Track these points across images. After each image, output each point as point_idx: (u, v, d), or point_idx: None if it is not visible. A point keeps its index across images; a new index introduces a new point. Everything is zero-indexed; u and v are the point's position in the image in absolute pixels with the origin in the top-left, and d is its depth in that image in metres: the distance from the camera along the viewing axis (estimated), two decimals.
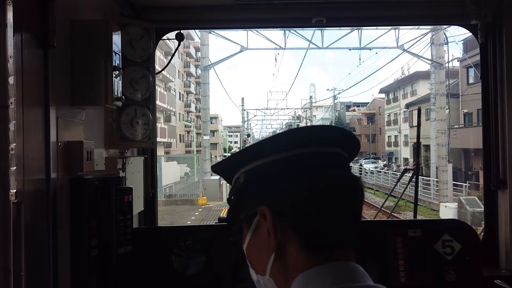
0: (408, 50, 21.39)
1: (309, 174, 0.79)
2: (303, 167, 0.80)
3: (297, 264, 0.77)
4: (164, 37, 2.62)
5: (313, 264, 0.75)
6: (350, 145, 0.88)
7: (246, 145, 0.93)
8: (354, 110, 69.75)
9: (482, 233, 2.55)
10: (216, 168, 0.95)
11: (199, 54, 44.81)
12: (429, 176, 25.16)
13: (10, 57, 1.28)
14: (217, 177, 22.57)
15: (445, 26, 18.49)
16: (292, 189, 0.78)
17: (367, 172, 35.42)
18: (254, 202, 0.82)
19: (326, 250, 0.77)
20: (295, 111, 76.94)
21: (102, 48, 1.74)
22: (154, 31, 2.20)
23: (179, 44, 2.52)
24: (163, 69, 3.02)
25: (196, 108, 61.04)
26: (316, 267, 0.75)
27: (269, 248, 0.79)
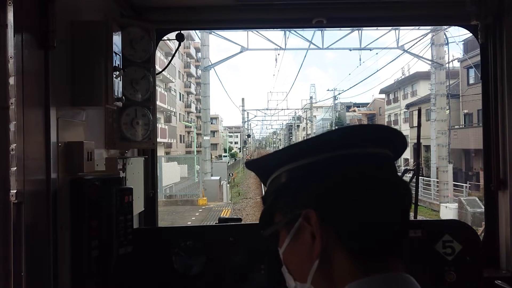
0: (408, 50, 21.40)
1: (360, 176, 0.74)
2: (353, 168, 0.74)
3: (344, 273, 0.71)
4: (165, 38, 2.62)
5: (363, 274, 0.70)
6: (397, 145, 0.82)
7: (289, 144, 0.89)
8: (354, 111, 69.73)
9: (483, 234, 2.55)
10: (252, 165, 0.88)
11: (199, 54, 44.85)
12: (429, 177, 25.15)
13: (11, 57, 1.29)
14: (217, 177, 22.58)
15: (445, 27, 18.50)
16: (340, 192, 0.73)
17: None
18: (296, 204, 0.77)
19: (377, 259, 0.72)
20: (295, 112, 77.00)
21: (103, 48, 1.74)
22: (154, 32, 2.21)
23: (179, 45, 2.52)
24: (163, 70, 3.02)
25: (196, 108, 61.06)
26: (367, 278, 0.70)
27: (312, 254, 0.73)
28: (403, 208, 0.76)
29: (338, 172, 0.74)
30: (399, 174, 0.79)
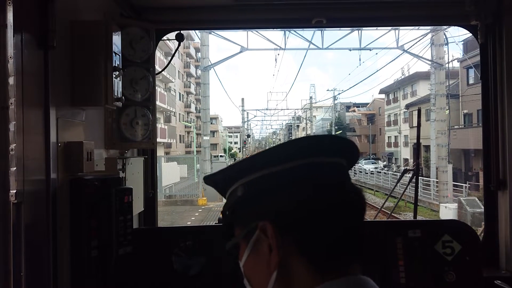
0: (408, 50, 21.39)
1: (313, 186, 0.75)
2: (307, 178, 0.76)
3: (303, 282, 0.73)
4: (164, 38, 2.62)
5: (320, 281, 0.72)
6: (350, 155, 0.84)
7: (238, 160, 0.97)
8: (354, 111, 69.76)
9: (482, 234, 2.55)
10: (209, 180, 0.89)
11: (199, 54, 44.84)
12: (429, 177, 25.16)
13: (10, 57, 1.28)
14: None
15: (445, 27, 18.50)
16: (295, 202, 0.74)
17: (367, 173, 35.42)
18: (254, 216, 0.78)
19: (333, 265, 0.74)
20: (295, 112, 76.99)
21: (102, 48, 1.74)
22: (154, 32, 2.21)
23: (179, 45, 2.52)
24: (163, 70, 3.02)
25: (196, 108, 61.06)
26: (324, 284, 0.71)
27: (271, 265, 0.74)
28: (357, 214, 0.78)
29: (291, 183, 0.75)
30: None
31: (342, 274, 0.73)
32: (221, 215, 0.88)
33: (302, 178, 0.76)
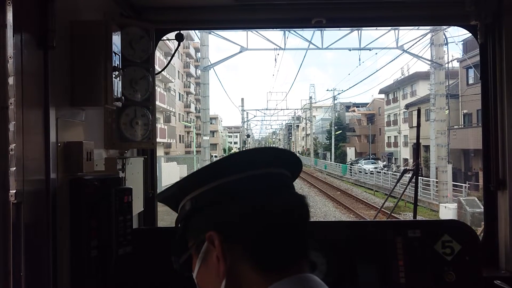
0: (407, 50, 21.39)
1: (256, 196, 0.79)
2: (249, 189, 0.80)
3: (251, 286, 0.76)
4: (164, 38, 2.62)
5: (268, 283, 0.75)
6: (292, 165, 0.89)
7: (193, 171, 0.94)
8: (353, 111, 69.77)
9: (482, 234, 2.55)
10: (161, 197, 0.92)
11: (198, 54, 44.85)
12: (428, 177, 25.16)
13: (10, 57, 1.28)
14: None
15: (444, 27, 18.50)
16: (239, 212, 0.78)
17: (366, 173, 35.43)
18: (202, 228, 0.81)
19: (279, 267, 0.77)
20: (295, 112, 77.01)
21: (102, 48, 1.74)
22: (154, 32, 2.20)
23: (178, 45, 2.52)
24: (162, 70, 3.02)
25: (196, 108, 61.06)
26: (273, 285, 0.75)
27: (220, 274, 0.78)
28: (301, 220, 0.82)
29: (236, 194, 0.79)
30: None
31: (289, 274, 0.76)
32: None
33: (244, 190, 0.79)
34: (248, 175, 0.80)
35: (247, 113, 58.68)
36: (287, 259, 0.78)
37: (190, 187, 0.84)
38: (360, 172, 37.10)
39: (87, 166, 1.68)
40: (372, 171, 34.86)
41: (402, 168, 36.05)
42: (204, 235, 0.80)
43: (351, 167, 41.57)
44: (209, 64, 21.86)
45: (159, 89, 35.57)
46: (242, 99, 53.13)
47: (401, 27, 19.47)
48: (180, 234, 0.87)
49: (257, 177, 0.81)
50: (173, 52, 2.78)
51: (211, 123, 31.07)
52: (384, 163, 49.20)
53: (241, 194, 0.79)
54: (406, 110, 44.64)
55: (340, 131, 59.85)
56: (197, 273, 0.84)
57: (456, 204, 17.38)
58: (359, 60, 25.20)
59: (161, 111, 40.68)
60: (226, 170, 0.81)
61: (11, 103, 1.29)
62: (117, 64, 1.82)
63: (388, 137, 54.40)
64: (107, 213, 1.72)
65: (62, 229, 1.58)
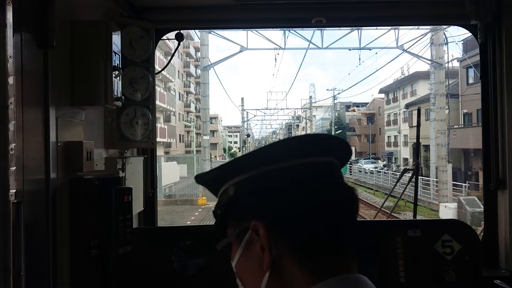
0: (407, 50, 21.40)
1: (307, 186, 0.75)
2: (300, 178, 0.75)
3: (297, 283, 0.72)
4: (164, 37, 2.62)
5: (316, 280, 0.71)
6: (342, 153, 0.84)
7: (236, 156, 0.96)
8: (353, 110, 69.76)
9: (482, 233, 2.55)
10: (201, 179, 0.87)
11: (198, 54, 44.84)
12: (428, 176, 25.17)
13: (10, 57, 1.28)
14: None
15: (444, 26, 18.51)
16: (288, 202, 0.74)
17: (366, 172, 35.43)
18: (245, 217, 0.77)
19: (328, 265, 0.73)
20: (294, 111, 77.01)
21: (102, 48, 1.74)
22: (153, 31, 2.20)
23: (178, 44, 2.52)
24: (162, 69, 3.02)
25: (196, 108, 61.06)
26: (320, 283, 0.70)
27: (263, 265, 0.74)
28: (350, 213, 0.78)
29: (282, 183, 0.75)
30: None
31: (339, 273, 0.72)
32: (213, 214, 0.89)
33: (295, 178, 0.75)
34: (295, 164, 0.76)
35: (247, 112, 58.70)
36: (337, 256, 0.74)
37: (234, 172, 0.80)
38: (360, 171, 37.11)
39: (87, 165, 1.68)
40: (372, 170, 34.87)
41: (402, 167, 36.05)
42: (247, 224, 0.76)
43: (351, 166, 41.59)
44: (209, 63, 21.86)
45: (159, 89, 35.56)
46: (242, 99, 53.16)
47: (401, 27, 19.48)
48: (220, 220, 0.83)
49: (305, 166, 0.76)
50: (173, 51, 2.78)
51: (211, 123, 31.06)
52: (384, 162, 49.21)
53: (287, 183, 0.75)
54: (406, 109, 44.63)
55: (340, 131, 59.80)
56: (237, 262, 0.81)
57: (456, 204, 17.39)
58: (359, 59, 25.16)
59: (161, 111, 40.68)
60: (272, 157, 0.77)
61: (11, 103, 1.29)
62: (117, 64, 1.82)
63: (388, 136, 54.39)
64: (107, 212, 1.73)
65: (62, 229, 1.58)
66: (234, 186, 0.80)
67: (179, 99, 53.52)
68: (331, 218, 0.74)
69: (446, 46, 21.08)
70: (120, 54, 1.87)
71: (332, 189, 0.77)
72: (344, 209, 0.77)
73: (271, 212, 0.75)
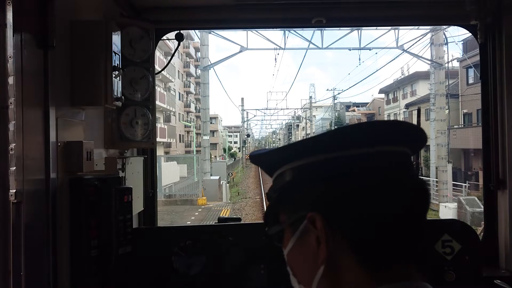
0: (407, 50, 21.40)
1: (369, 178, 0.67)
2: (363, 170, 0.68)
3: (354, 282, 0.66)
4: (164, 37, 2.62)
5: (375, 283, 0.65)
6: (415, 141, 0.75)
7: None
8: (353, 110, 69.75)
9: (482, 233, 2.55)
10: (256, 159, 0.81)
11: (198, 54, 44.86)
12: (428, 176, 25.17)
13: (10, 57, 1.29)
14: (217, 177, 22.59)
15: (444, 27, 18.50)
16: (351, 195, 0.67)
17: None
18: (301, 205, 0.71)
19: (390, 268, 0.66)
20: (294, 111, 77.05)
21: (102, 48, 1.74)
22: (154, 32, 2.20)
23: (178, 44, 2.52)
24: (162, 69, 3.02)
25: (195, 108, 61.05)
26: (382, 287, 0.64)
27: (318, 259, 0.68)
28: (418, 212, 0.70)
29: (345, 173, 0.68)
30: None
31: (401, 278, 0.65)
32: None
33: (360, 169, 0.68)
34: (363, 152, 0.68)
35: (247, 112, 58.73)
36: (400, 259, 0.67)
37: (293, 156, 0.72)
38: None
39: (87, 165, 1.68)
40: None
41: None
42: (303, 213, 0.69)
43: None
44: (209, 63, 21.86)
45: (159, 89, 35.56)
46: (242, 99, 53.20)
47: (401, 27, 19.48)
48: (274, 204, 0.78)
49: (373, 156, 0.68)
50: (173, 51, 2.78)
51: (211, 123, 31.08)
52: None
53: (352, 173, 0.67)
54: (406, 109, 44.63)
55: None
56: (289, 251, 0.75)
57: (456, 204, 17.39)
58: (359, 59, 25.15)
59: (161, 111, 40.68)
60: (336, 144, 0.69)
61: (11, 103, 1.29)
62: (117, 64, 1.82)
63: None
64: (107, 212, 1.73)
65: (62, 229, 1.58)
66: (292, 171, 0.73)
67: (179, 99, 53.52)
68: (394, 215, 0.67)
69: (446, 46, 21.09)
70: (120, 54, 1.87)
71: (401, 183, 0.69)
72: (408, 206, 0.68)
73: (330, 204, 0.68)
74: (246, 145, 65.73)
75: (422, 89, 39.06)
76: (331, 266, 0.67)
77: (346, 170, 0.68)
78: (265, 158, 0.80)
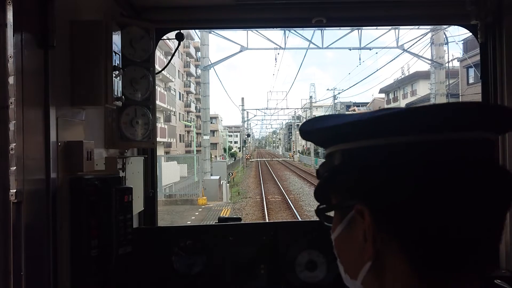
0: (408, 50, 21.41)
1: (431, 171, 0.55)
2: (425, 160, 0.55)
3: (399, 284, 0.58)
4: (164, 37, 2.62)
5: None
6: (497, 121, 0.58)
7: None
8: (354, 110, 69.74)
9: None
10: (304, 134, 0.71)
11: (199, 54, 44.85)
12: None
13: (10, 57, 1.29)
14: (217, 177, 22.60)
15: (445, 26, 18.49)
16: (404, 189, 0.56)
17: None
18: (350, 193, 0.63)
19: (446, 275, 0.56)
20: (295, 111, 77.10)
21: (102, 48, 1.74)
22: (154, 31, 2.21)
23: (179, 44, 2.53)
24: (163, 69, 3.02)
25: (196, 108, 61.06)
26: None
27: (364, 255, 0.61)
28: (491, 211, 0.57)
29: (403, 164, 0.56)
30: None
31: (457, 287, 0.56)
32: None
33: (416, 160, 0.56)
34: (426, 140, 0.55)
35: (247, 112, 58.76)
36: (457, 266, 0.56)
37: (346, 136, 0.62)
38: None
39: (87, 165, 1.68)
40: None
41: None
42: (352, 203, 0.62)
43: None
44: (209, 63, 21.87)
45: (159, 89, 35.58)
46: (243, 99, 53.21)
47: (401, 27, 19.48)
48: (323, 184, 0.69)
49: (448, 145, 0.55)
50: (173, 51, 2.78)
51: (211, 123, 31.10)
52: None
53: (413, 165, 0.56)
54: None
55: None
56: (337, 238, 0.67)
57: None
58: (359, 59, 25.17)
59: (161, 111, 40.69)
60: (396, 127, 0.57)
61: (11, 103, 1.29)
62: (117, 64, 1.82)
63: None
64: (108, 212, 1.73)
65: (62, 229, 1.58)
66: (342, 154, 0.63)
67: (180, 99, 53.54)
68: (458, 215, 0.55)
69: (446, 46, 21.10)
70: (120, 54, 1.87)
71: (465, 176, 0.56)
72: (478, 205, 0.56)
73: (381, 198, 0.58)
74: (246, 145, 65.74)
75: (423, 89, 39.07)
76: (378, 265, 0.60)
77: (401, 161, 0.57)
78: (314, 137, 0.70)
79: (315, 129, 0.68)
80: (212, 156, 32.09)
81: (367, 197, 0.60)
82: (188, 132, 57.41)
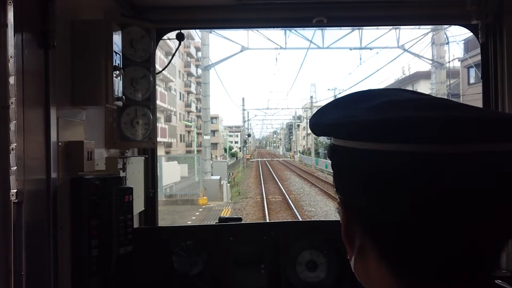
0: (408, 50, 21.40)
1: (441, 183, 0.47)
2: (416, 171, 0.48)
3: (380, 284, 0.56)
4: (165, 37, 2.62)
5: None
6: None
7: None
8: None
9: None
10: (315, 126, 0.63)
11: (199, 54, 44.86)
12: None
13: (11, 57, 1.29)
14: (218, 177, 22.60)
15: (446, 26, 18.48)
16: (388, 200, 0.51)
17: None
18: (339, 186, 0.60)
19: (433, 285, 0.51)
20: (295, 111, 77.08)
21: (103, 48, 1.74)
22: (154, 31, 2.21)
23: (179, 44, 2.53)
24: (163, 69, 3.02)
25: (196, 108, 61.07)
26: None
27: (350, 246, 0.61)
28: (479, 214, 0.48)
29: (387, 172, 0.50)
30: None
31: None
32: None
33: (404, 175, 0.49)
34: (425, 152, 0.47)
35: (248, 112, 58.76)
36: (445, 276, 0.51)
37: (343, 133, 0.56)
38: None
39: (88, 165, 1.69)
40: None
41: None
42: (342, 200, 0.60)
43: None
44: (210, 63, 21.88)
45: (159, 89, 35.58)
46: (243, 99, 53.21)
47: (402, 27, 19.47)
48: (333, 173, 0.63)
49: (461, 157, 0.47)
50: (174, 51, 2.78)
51: (212, 123, 31.10)
52: None
53: (403, 181, 0.49)
54: None
55: None
56: (342, 225, 0.63)
57: None
58: (360, 59, 25.18)
59: (162, 111, 40.70)
60: (391, 131, 0.49)
61: (12, 103, 1.29)
62: (118, 64, 1.82)
63: None
64: (108, 212, 1.73)
65: (63, 229, 1.58)
66: (339, 149, 0.58)
67: (180, 99, 53.54)
68: (445, 223, 0.49)
69: (447, 45, 21.09)
70: (121, 54, 1.88)
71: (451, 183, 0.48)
72: (471, 210, 0.48)
73: (359, 201, 0.55)
74: (247, 145, 65.76)
75: (423, 88, 39.03)
76: (360, 262, 0.59)
77: (386, 169, 0.50)
78: (318, 128, 0.63)
79: (328, 118, 0.61)
80: (213, 156, 32.10)
81: (344, 193, 0.59)
82: (189, 132, 57.42)
